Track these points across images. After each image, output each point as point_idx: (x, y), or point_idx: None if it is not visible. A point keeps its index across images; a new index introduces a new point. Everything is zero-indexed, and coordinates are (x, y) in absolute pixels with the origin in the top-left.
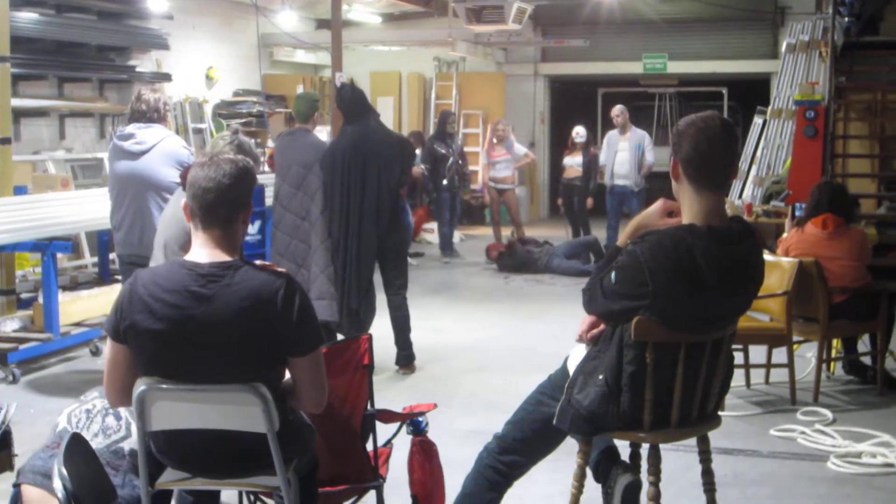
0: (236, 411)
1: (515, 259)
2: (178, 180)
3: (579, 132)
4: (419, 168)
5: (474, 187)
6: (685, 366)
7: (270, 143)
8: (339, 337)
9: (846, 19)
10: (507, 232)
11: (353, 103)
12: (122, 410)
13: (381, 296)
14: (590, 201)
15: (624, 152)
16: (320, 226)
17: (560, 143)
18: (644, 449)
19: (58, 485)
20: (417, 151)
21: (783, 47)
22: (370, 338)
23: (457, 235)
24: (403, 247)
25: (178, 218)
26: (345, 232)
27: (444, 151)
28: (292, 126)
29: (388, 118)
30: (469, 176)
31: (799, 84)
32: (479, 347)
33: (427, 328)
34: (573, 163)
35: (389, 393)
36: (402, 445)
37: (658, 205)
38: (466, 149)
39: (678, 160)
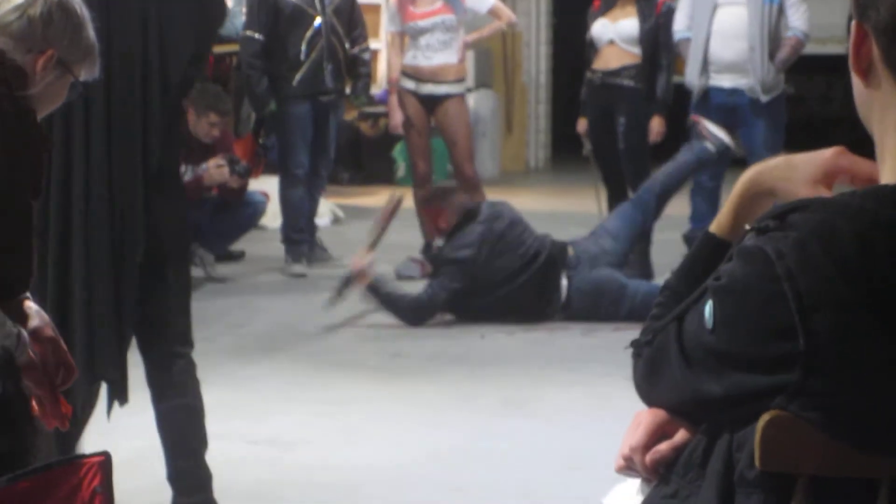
0: None
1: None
2: None
3: None
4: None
5: (373, 93)
6: None
7: None
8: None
9: None
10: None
11: None
12: None
13: (134, 357)
14: (658, 124)
15: (735, 7)
16: None
17: None
18: None
19: None
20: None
21: None
22: (104, 464)
23: (325, 209)
24: (183, 238)
25: None
26: (59, 203)
27: (297, 1)
28: None
29: None
30: (367, 63)
31: None
32: (380, 486)
33: (252, 439)
34: (616, 34)
35: None
36: None
37: (824, 157)
38: None
39: (867, 31)
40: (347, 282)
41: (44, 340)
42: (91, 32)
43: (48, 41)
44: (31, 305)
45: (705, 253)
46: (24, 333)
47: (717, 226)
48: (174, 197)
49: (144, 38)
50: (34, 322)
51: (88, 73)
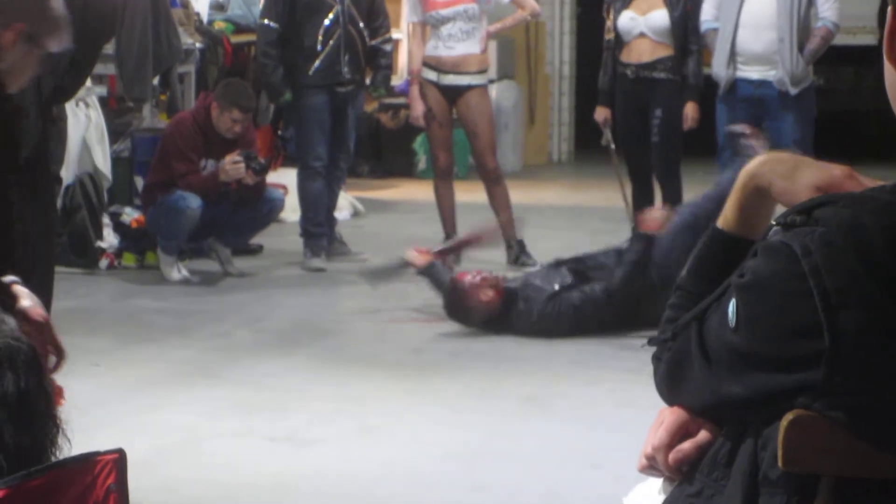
0: None
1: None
2: None
3: None
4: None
5: (394, 84)
6: None
7: None
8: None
9: None
10: (466, 193)
11: None
12: None
13: (148, 355)
14: (693, 110)
15: None
16: None
17: None
18: None
19: None
20: None
21: None
22: (119, 462)
23: (345, 202)
24: (50, 241)
25: None
26: None
27: None
28: None
29: None
30: (388, 54)
31: None
32: (398, 484)
33: (270, 435)
34: (647, 27)
35: None
36: None
37: (832, 172)
38: None
39: None
40: (395, 271)
41: (32, 323)
42: (59, 3)
43: (15, 15)
44: (19, 287)
45: (714, 249)
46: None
47: (723, 220)
48: (44, 202)
49: None
50: (24, 303)
51: (58, 45)
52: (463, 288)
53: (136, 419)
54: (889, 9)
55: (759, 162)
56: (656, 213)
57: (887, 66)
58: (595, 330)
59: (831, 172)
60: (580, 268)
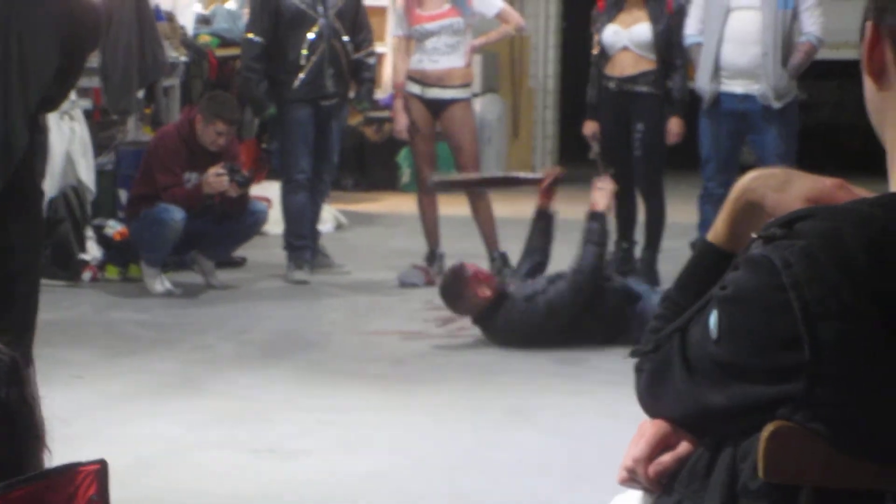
0: None
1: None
2: None
3: None
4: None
5: (378, 98)
6: None
7: None
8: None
9: None
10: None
11: None
12: None
13: (133, 367)
14: (677, 125)
15: (748, 12)
16: None
17: None
18: None
19: None
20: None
21: None
22: (100, 473)
23: (329, 215)
24: (36, 255)
25: None
26: None
27: (299, 2)
28: None
29: None
30: (371, 68)
31: None
32: (382, 495)
33: (253, 447)
34: (630, 41)
35: None
36: None
37: (824, 183)
38: None
39: (883, 33)
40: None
41: None
42: None
43: None
44: None
45: (704, 263)
46: None
47: (713, 234)
48: (31, 214)
49: (4, 50)
50: None
51: None
52: (465, 276)
53: (118, 431)
54: (868, 24)
55: (751, 177)
56: (602, 189)
57: (866, 79)
58: (571, 333)
59: (823, 184)
60: (563, 273)
